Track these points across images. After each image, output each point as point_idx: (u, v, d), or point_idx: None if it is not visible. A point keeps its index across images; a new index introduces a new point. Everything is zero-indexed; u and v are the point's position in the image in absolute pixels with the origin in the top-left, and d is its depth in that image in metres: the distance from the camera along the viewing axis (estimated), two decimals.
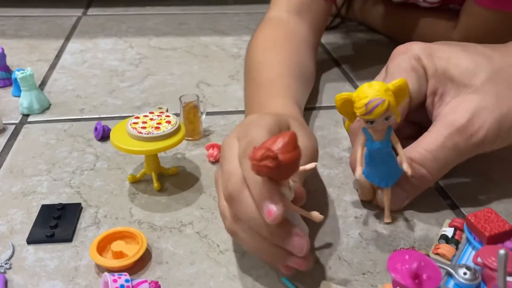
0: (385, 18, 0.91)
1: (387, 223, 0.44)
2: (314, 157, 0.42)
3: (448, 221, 0.44)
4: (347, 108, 0.38)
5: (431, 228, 0.44)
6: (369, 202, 0.47)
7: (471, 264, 0.30)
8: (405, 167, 0.38)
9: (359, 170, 0.39)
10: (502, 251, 0.25)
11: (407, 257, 0.28)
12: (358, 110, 0.36)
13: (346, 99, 0.37)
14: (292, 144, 0.31)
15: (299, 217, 0.36)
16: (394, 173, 0.42)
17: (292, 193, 0.34)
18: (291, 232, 0.33)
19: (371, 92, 0.36)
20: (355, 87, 0.73)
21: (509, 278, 0.29)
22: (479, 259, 0.30)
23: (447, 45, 0.46)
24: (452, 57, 0.44)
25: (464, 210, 0.47)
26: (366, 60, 0.82)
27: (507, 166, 0.53)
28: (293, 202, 0.34)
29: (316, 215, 0.34)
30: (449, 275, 0.29)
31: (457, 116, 0.41)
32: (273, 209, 0.31)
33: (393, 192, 0.44)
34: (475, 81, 0.42)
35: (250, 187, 0.33)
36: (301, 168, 0.34)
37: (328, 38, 0.92)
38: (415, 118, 0.48)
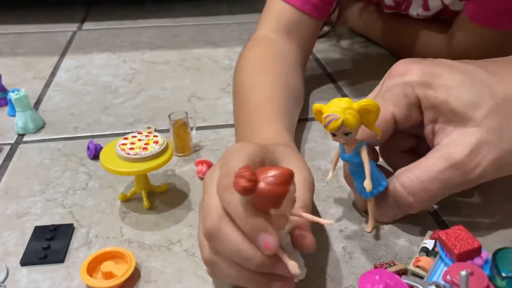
0: (377, 27, 0.92)
1: (368, 232, 0.46)
2: (312, 189, 0.41)
3: (430, 232, 0.45)
4: (320, 118, 0.41)
5: (414, 240, 0.45)
6: (354, 216, 0.48)
7: (441, 282, 0.32)
8: (365, 183, 0.40)
9: (330, 174, 0.44)
10: (463, 272, 0.26)
11: (377, 277, 0.29)
12: (322, 121, 0.39)
13: (318, 110, 0.40)
14: (282, 179, 0.30)
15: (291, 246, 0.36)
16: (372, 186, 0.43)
17: (287, 235, 0.34)
18: (280, 258, 0.33)
19: (331, 107, 0.38)
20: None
21: None
22: (448, 277, 0.31)
23: (450, 70, 0.43)
24: (454, 86, 0.42)
25: (448, 222, 0.48)
26: (359, 73, 0.83)
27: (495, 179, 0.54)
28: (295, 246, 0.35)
29: (292, 265, 0.32)
30: None
31: (456, 150, 0.40)
32: (270, 240, 0.31)
33: (381, 208, 0.45)
34: (478, 114, 0.41)
35: (235, 219, 0.33)
36: (316, 218, 0.34)
37: (320, 48, 0.93)
38: (415, 131, 0.47)
